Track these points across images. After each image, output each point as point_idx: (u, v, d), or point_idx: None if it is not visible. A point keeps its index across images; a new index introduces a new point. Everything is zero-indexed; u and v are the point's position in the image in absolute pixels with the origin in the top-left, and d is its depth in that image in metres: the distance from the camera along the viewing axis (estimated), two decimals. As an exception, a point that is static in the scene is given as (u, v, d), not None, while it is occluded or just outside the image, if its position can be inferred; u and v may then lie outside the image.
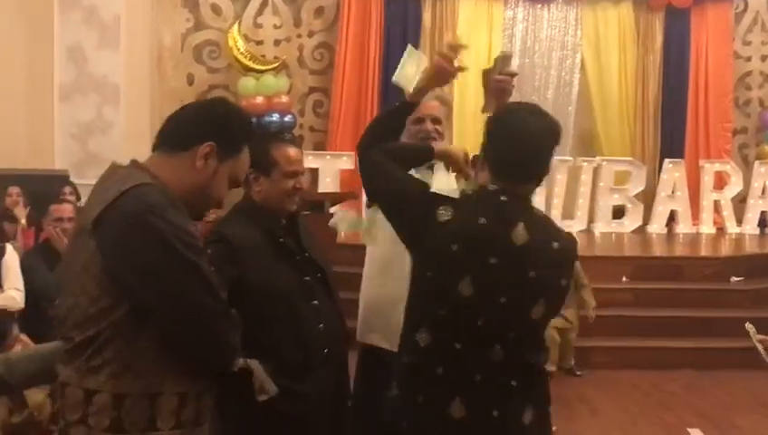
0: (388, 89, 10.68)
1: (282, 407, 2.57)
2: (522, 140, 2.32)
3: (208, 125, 2.22)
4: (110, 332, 2.04)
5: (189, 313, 2.05)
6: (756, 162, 11.71)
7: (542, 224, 2.34)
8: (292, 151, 2.97)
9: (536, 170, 2.35)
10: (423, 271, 2.38)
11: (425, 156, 2.93)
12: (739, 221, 11.39)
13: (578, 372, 7.12)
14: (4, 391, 2.67)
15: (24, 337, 3.01)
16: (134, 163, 2.22)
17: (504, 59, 2.86)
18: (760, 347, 5.26)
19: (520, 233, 2.27)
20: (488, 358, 2.31)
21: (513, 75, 2.85)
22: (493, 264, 2.27)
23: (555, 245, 2.31)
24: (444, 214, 2.33)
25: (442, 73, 2.81)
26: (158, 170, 2.16)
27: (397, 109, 2.94)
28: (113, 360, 2.04)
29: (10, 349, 3.02)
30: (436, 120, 3.19)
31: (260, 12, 11.42)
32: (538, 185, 2.37)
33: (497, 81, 2.80)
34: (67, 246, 2.30)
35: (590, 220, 11.23)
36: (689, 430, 5.83)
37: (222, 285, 2.14)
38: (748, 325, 5.47)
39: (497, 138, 2.38)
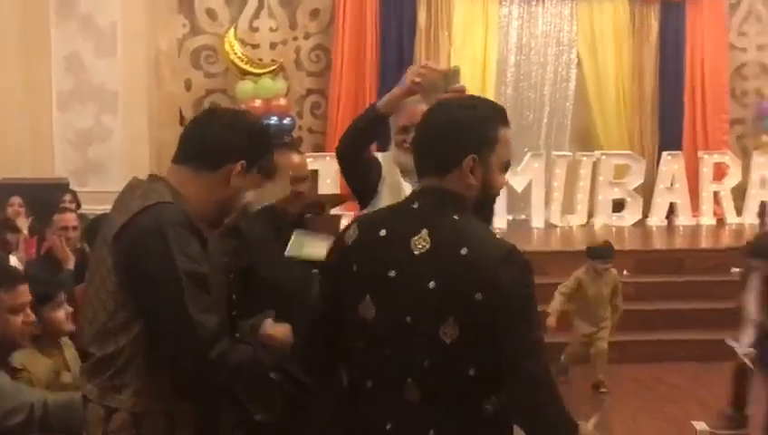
0: (385, 89, 10.70)
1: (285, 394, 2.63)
2: (424, 129, 2.15)
3: (238, 143, 2.26)
4: (130, 350, 2.09)
5: (172, 330, 2.06)
6: (755, 152, 11.72)
7: (454, 229, 2.03)
8: (295, 158, 3.12)
9: (434, 158, 2.11)
10: (340, 301, 2.16)
11: (369, 115, 3.12)
12: (739, 212, 11.41)
13: (602, 390, 6.73)
14: (47, 430, 2.77)
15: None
16: (155, 177, 2.26)
17: (450, 76, 2.88)
18: (746, 360, 5.34)
19: (422, 240, 2.03)
20: (401, 398, 2.00)
21: (460, 92, 2.85)
22: (391, 277, 2.03)
23: (464, 251, 1.97)
24: (351, 234, 2.16)
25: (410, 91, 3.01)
26: (183, 186, 2.20)
27: (366, 116, 3.10)
28: (134, 379, 2.09)
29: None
30: None
31: (255, 15, 11.42)
32: (445, 173, 2.09)
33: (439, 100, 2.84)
34: (91, 256, 2.37)
35: (590, 214, 11.25)
36: (693, 422, 5.85)
37: (213, 307, 2.14)
38: (730, 342, 5.58)
39: (418, 130, 2.20)
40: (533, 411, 1.96)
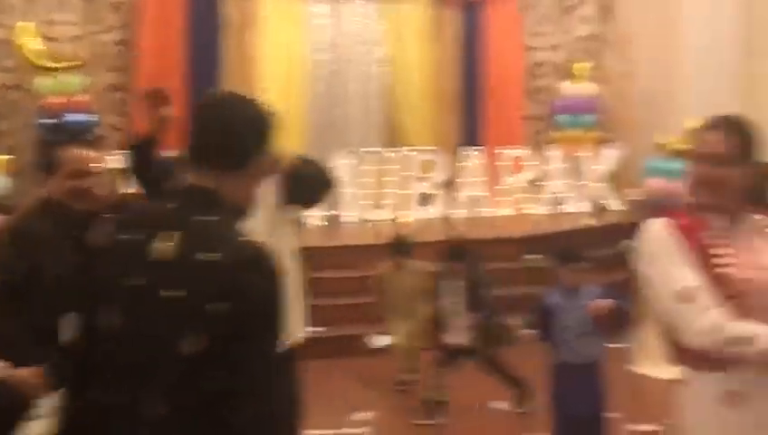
0: (192, 87, 10.57)
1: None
2: (218, 120, 2.00)
3: None
4: None
5: None
6: (548, 147, 12.50)
7: (208, 233, 1.89)
8: (76, 152, 3.05)
9: (229, 153, 1.98)
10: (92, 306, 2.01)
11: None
12: (535, 202, 12.13)
13: (405, 385, 6.78)
14: None
15: None
16: None
17: None
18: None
19: (165, 245, 1.88)
20: (149, 411, 1.87)
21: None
22: (136, 284, 1.89)
23: (215, 257, 1.85)
24: (103, 234, 2.01)
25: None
26: None
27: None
28: None
29: None
30: None
31: (53, 8, 10.95)
32: (233, 170, 1.99)
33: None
34: None
35: (399, 209, 11.60)
36: (492, 403, 6.17)
37: None
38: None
39: (193, 124, 2.02)
40: (254, 421, 1.87)
